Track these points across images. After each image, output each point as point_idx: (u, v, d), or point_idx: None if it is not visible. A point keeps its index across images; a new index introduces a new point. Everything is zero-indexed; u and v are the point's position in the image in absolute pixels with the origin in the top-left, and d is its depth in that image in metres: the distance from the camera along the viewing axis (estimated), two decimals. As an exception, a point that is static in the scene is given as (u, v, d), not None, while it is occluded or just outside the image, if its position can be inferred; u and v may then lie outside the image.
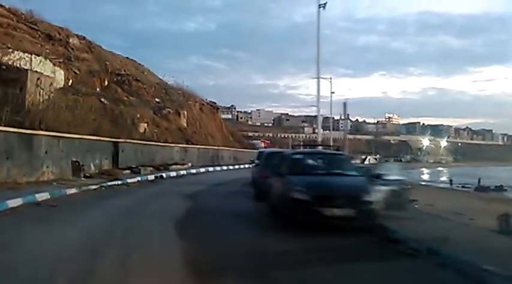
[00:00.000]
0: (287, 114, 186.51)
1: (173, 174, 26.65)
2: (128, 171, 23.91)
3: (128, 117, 32.89)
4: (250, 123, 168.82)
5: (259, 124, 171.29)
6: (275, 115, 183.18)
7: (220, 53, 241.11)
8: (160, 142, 32.35)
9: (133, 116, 33.61)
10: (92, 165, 21.61)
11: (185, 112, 44.11)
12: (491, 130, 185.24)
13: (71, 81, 31.07)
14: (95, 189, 16.78)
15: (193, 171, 30.58)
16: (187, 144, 37.54)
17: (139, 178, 21.81)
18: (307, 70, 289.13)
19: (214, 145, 44.92)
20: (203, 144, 41.86)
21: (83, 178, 19.15)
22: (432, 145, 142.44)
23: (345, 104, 37.57)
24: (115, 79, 39.22)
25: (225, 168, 38.02)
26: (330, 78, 46.39)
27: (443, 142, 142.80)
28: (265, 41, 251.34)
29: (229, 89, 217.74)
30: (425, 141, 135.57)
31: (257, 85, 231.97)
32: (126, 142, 25.87)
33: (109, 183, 18.51)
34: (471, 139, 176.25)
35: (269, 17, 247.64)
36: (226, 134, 57.84)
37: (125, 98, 37.32)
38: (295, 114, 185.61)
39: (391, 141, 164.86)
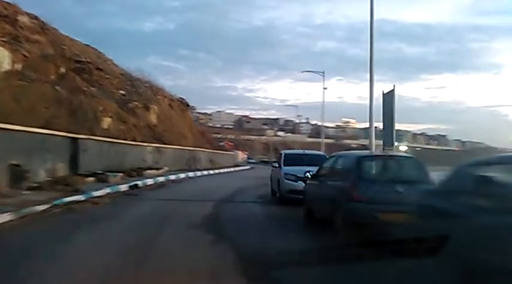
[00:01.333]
0: (248, 116, 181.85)
1: (149, 181, 20.07)
2: (92, 179, 17.21)
3: (89, 109, 26.03)
4: (210, 124, 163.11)
5: (219, 126, 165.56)
6: (236, 118, 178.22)
7: (180, 53, 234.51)
8: (128, 140, 25.56)
9: (95, 109, 26.75)
10: (41, 171, 14.84)
11: (155, 107, 37.30)
12: (445, 136, 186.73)
13: (19, 66, 24.24)
14: (43, 212, 10.08)
15: (172, 176, 24.02)
16: (159, 143, 30.83)
17: (108, 190, 15.13)
18: (265, 73, 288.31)
19: (188, 146, 38.34)
20: (176, 144, 35.17)
21: (25, 191, 12.48)
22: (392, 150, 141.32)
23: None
24: (73, 66, 32.16)
25: (205, 173, 31.65)
26: (325, 88, 40.09)
27: (403, 147, 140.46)
28: (225, 43, 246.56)
29: (189, 90, 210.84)
30: (402, 147, 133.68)
31: (216, 87, 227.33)
32: (89, 139, 19.14)
33: (66, 199, 11.82)
34: (427, 144, 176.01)
35: (229, 19, 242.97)
36: (197, 134, 51.25)
37: (85, 88, 30.35)
38: (256, 117, 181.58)
39: (352, 145, 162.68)
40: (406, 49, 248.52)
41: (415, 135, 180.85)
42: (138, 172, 21.98)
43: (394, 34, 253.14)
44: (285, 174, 13.25)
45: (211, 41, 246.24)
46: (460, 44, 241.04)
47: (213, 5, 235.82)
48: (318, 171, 10.08)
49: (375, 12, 16.89)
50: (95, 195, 13.52)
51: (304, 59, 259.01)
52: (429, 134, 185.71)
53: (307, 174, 12.14)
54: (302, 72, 41.64)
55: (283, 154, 14.99)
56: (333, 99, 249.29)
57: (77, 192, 13.27)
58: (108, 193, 14.66)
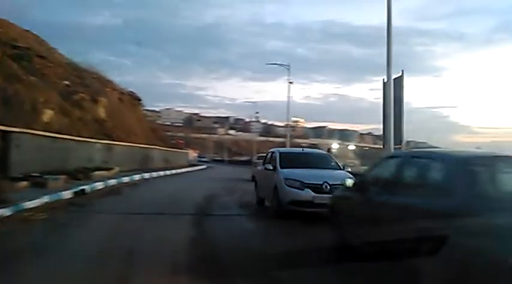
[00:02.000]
0: (198, 114, 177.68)
1: (99, 185, 16.31)
2: (26, 183, 13.29)
3: (27, 99, 21.85)
4: (159, 122, 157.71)
5: (169, 123, 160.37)
6: (185, 115, 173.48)
7: (127, 49, 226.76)
8: (73, 136, 21.45)
9: (34, 100, 22.55)
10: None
11: (104, 100, 33.08)
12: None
13: None
14: None
15: (126, 179, 20.23)
16: (109, 140, 26.81)
17: (47, 199, 11.32)
18: (215, 71, 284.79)
19: (140, 143, 34.33)
20: (127, 141, 31.15)
21: None
22: (341, 149, 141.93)
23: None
24: (10, 52, 27.66)
25: (161, 173, 27.87)
26: (290, 82, 37.15)
27: (351, 146, 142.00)
28: (174, 40, 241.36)
29: (136, 86, 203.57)
30: (334, 145, 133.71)
31: (165, 84, 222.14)
32: (24, 133, 15.15)
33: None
34: (374, 143, 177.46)
35: (178, 16, 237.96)
36: (149, 131, 47.11)
37: (24, 77, 26.04)
38: (207, 115, 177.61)
39: (302, 144, 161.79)
40: (353, 51, 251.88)
41: (362, 134, 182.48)
42: (84, 173, 18.08)
43: (342, 35, 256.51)
44: (286, 179, 9.97)
45: (160, 37, 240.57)
46: (405, 47, 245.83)
47: (162, 1, 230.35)
48: (365, 178, 6.74)
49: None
50: (26, 207, 9.81)
51: (254, 58, 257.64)
52: (376, 134, 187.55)
53: (327, 183, 9.08)
54: (266, 64, 38.59)
55: (277, 154, 11.65)
56: (282, 98, 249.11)
57: (1, 203, 9.51)
58: (46, 204, 10.92)
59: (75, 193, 13.42)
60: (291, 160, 11.03)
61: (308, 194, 9.48)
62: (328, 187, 9.47)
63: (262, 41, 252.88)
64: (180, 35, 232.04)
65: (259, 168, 13.19)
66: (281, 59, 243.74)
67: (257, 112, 60.04)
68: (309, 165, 10.75)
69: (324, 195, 9.32)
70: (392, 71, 13.00)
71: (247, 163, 67.13)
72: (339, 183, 9.69)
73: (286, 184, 9.78)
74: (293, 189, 9.67)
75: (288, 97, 37.42)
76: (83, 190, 14.16)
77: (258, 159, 25.41)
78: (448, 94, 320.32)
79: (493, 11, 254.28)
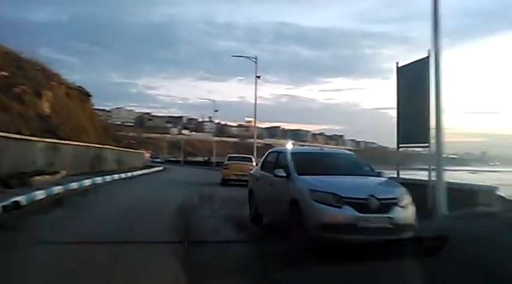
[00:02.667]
0: (150, 113, 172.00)
1: (39, 195, 12.58)
2: None
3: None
4: (110, 121, 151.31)
5: (119, 123, 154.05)
6: (137, 115, 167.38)
7: (74, 47, 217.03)
8: (11, 133, 17.41)
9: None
10: None
11: (48, 94, 28.91)
12: (342, 136, 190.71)
13: None
14: None
15: (74, 184, 16.53)
16: (55, 139, 22.82)
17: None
18: (166, 70, 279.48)
19: (91, 143, 30.30)
20: (76, 140, 27.12)
21: None
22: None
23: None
24: None
25: (116, 177, 24.06)
26: (258, 76, 33.93)
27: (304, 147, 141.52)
28: (123, 38, 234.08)
29: (85, 85, 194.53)
30: (288, 145, 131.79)
31: (114, 83, 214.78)
32: None
33: None
34: (326, 143, 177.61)
35: (127, 13, 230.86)
36: (100, 130, 42.83)
37: None
38: (159, 114, 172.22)
39: (257, 145, 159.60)
40: (304, 52, 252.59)
41: (314, 135, 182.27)
42: (21, 179, 14.32)
43: (292, 37, 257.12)
44: (313, 191, 6.66)
45: (109, 35, 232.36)
46: (354, 49, 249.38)
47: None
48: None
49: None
50: None
51: (205, 58, 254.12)
52: (327, 134, 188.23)
53: (374, 197, 6.41)
54: (232, 56, 35.45)
55: (288, 155, 8.31)
56: (234, 98, 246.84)
57: None
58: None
59: (4, 207, 9.81)
60: (310, 164, 7.83)
61: (349, 214, 6.28)
62: (377, 203, 6.41)
63: (214, 40, 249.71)
64: (129, 33, 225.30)
65: (256, 173, 9.92)
66: (232, 58, 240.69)
67: (216, 110, 56.70)
68: (335, 170, 7.63)
69: (373, 216, 6.31)
70: (438, 44, 10.09)
71: (206, 164, 63.76)
72: (391, 197, 6.69)
73: (315, 199, 6.55)
74: (325, 207, 6.40)
75: (255, 92, 34.30)
76: (16, 202, 10.54)
77: (229, 159, 22.28)
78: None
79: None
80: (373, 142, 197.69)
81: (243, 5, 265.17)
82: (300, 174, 7.37)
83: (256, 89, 33.32)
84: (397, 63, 12.30)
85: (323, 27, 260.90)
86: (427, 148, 10.85)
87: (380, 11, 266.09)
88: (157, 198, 15.04)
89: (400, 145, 12.15)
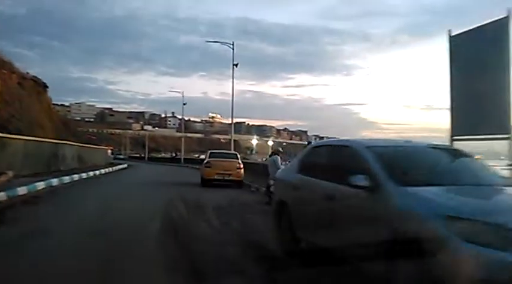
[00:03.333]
0: (111, 109, 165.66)
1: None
2: None
3: None
4: (69, 117, 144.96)
5: (79, 118, 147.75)
6: (97, 110, 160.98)
7: (32, 41, 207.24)
8: None
9: None
10: None
11: (-4, 82, 24.84)
12: (306, 131, 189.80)
13: None
14: None
15: (22, 189, 12.87)
16: (3, 133, 18.90)
17: None
18: (127, 65, 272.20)
19: (48, 138, 26.31)
20: (30, 135, 23.13)
21: None
22: (260, 145, 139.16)
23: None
24: None
25: (76, 177, 20.20)
26: (235, 64, 30.48)
27: (270, 142, 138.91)
28: (83, 33, 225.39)
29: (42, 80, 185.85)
30: (254, 140, 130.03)
31: (74, 78, 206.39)
32: None
33: None
34: (290, 139, 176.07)
35: (87, 7, 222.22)
36: (59, 124, 38.60)
37: None
38: (120, 110, 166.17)
39: (222, 140, 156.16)
40: (267, 48, 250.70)
41: (278, 130, 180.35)
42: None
43: (256, 33, 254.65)
44: (453, 219, 3.41)
45: (68, 29, 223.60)
46: (316, 46, 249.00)
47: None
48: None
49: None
50: None
51: (167, 52, 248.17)
52: (291, 130, 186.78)
53: None
54: (206, 41, 32.35)
55: (365, 152, 4.84)
56: (197, 94, 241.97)
57: None
58: None
59: None
60: (410, 167, 4.61)
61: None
62: None
63: (176, 35, 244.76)
64: (90, 27, 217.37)
65: (291, 177, 6.56)
66: (195, 54, 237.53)
67: (185, 103, 52.89)
68: (451, 176, 4.53)
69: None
70: None
71: (173, 160, 59.73)
72: None
73: (465, 237, 3.41)
74: (490, 252, 3.33)
75: (233, 82, 30.99)
76: None
77: (210, 156, 18.68)
78: (358, 92, 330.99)
79: (397, 13, 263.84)
80: (336, 138, 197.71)
81: (205, 0, 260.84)
82: (401, 184, 4.21)
83: (233, 77, 30.22)
84: (449, 31, 9.35)
85: (286, 23, 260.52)
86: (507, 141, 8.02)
87: (341, 8, 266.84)
88: (132, 207, 11.59)
89: (457, 137, 9.18)
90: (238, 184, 17.45)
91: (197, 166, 41.30)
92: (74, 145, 29.67)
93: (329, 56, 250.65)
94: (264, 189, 14.71)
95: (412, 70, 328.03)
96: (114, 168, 32.68)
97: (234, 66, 29.55)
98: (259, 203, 12.23)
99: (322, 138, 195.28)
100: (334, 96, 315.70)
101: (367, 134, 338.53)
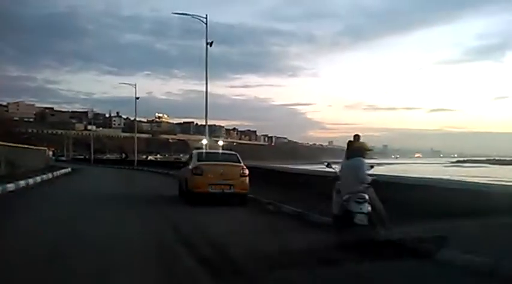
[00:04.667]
0: (52, 108, 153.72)
1: None
2: None
3: None
4: (7, 117, 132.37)
5: (17, 118, 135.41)
6: (37, 110, 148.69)
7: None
8: None
9: None
10: None
11: None
12: (255, 131, 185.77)
13: None
14: None
15: None
16: None
17: None
18: (69, 64, 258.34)
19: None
20: None
21: None
22: (210, 145, 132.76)
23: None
24: None
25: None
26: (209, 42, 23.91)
27: (220, 142, 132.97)
28: (20, 30, 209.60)
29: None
30: (203, 141, 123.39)
31: (11, 77, 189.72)
32: None
33: None
34: (240, 139, 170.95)
35: (24, 4, 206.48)
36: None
37: None
38: (62, 110, 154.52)
39: (170, 140, 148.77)
40: (212, 48, 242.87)
41: (228, 130, 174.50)
42: None
43: (200, 32, 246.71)
44: None
45: (5, 27, 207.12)
46: (261, 47, 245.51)
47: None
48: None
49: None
50: None
51: (110, 51, 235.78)
52: (241, 130, 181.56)
53: None
54: (173, 13, 25.44)
55: None
56: (142, 94, 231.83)
57: None
58: None
59: None
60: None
61: None
62: None
63: (119, 33, 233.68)
64: (28, 24, 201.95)
65: None
66: (140, 52, 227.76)
67: (137, 98, 46.04)
68: None
69: None
70: None
71: (124, 162, 51.81)
72: None
73: None
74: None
75: (206, 69, 24.68)
76: None
77: (200, 158, 12.27)
78: (304, 92, 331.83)
79: (339, 15, 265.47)
80: (284, 137, 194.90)
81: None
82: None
83: (206, 63, 23.87)
84: None
85: (230, 23, 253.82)
86: None
87: (285, 10, 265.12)
88: (88, 261, 5.62)
89: None
90: (241, 199, 11.76)
91: (154, 170, 35.26)
92: (5, 145, 22.32)
93: (274, 56, 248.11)
94: (301, 211, 9.15)
95: (354, 71, 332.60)
96: (56, 174, 25.72)
97: (208, 45, 23.51)
98: (330, 250, 6.35)
99: (270, 137, 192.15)
100: (280, 96, 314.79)
101: (312, 134, 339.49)
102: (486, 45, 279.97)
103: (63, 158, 75.40)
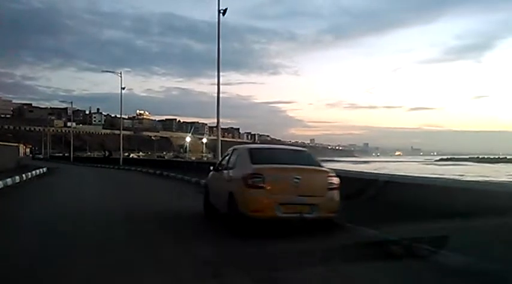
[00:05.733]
0: (30, 104, 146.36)
1: None
2: None
3: None
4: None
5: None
6: (15, 106, 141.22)
7: None
8: None
9: None
10: None
11: None
12: (238, 129, 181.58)
13: None
14: None
15: None
16: None
17: None
18: (48, 60, 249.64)
19: None
20: None
21: None
22: (193, 142, 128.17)
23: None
24: None
25: None
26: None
27: (204, 139, 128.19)
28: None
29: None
30: (187, 138, 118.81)
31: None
32: None
33: None
34: (223, 136, 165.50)
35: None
36: None
37: None
38: (41, 106, 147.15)
39: (152, 137, 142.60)
40: (194, 45, 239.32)
41: (211, 127, 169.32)
42: None
43: (182, 30, 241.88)
44: None
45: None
46: (242, 44, 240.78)
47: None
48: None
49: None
50: None
51: (90, 48, 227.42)
52: (224, 127, 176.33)
53: None
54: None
55: None
56: (123, 91, 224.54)
57: None
58: None
59: None
60: None
61: None
62: None
63: (99, 30, 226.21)
64: (5, 19, 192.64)
65: None
66: (120, 49, 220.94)
67: (123, 88, 40.41)
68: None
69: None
70: None
71: (108, 160, 45.61)
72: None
73: None
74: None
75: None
76: None
77: (254, 158, 6.59)
78: (285, 90, 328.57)
79: (321, 15, 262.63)
80: (267, 135, 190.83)
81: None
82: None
83: (219, 37, 18.35)
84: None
85: (212, 21, 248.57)
86: None
87: (267, 8, 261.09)
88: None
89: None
90: (327, 222, 6.67)
91: (143, 169, 29.07)
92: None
93: (256, 54, 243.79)
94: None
95: (336, 70, 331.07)
96: (27, 176, 20.21)
97: (221, 14, 18.05)
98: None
99: (253, 135, 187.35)
100: (262, 94, 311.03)
101: (294, 132, 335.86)
102: (465, 45, 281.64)
103: (40, 156, 69.11)
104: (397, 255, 5.33)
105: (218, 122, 19.56)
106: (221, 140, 19.57)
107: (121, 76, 38.72)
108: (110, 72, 41.21)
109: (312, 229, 6.61)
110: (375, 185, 8.02)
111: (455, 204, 5.96)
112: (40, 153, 75.64)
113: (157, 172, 25.52)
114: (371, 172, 14.47)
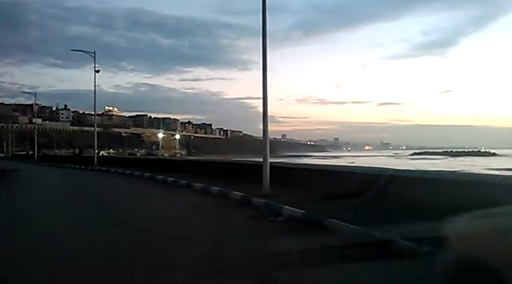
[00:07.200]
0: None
1: None
2: None
3: None
4: None
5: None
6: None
7: None
8: None
9: None
10: None
11: None
12: (211, 125, 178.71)
13: None
14: None
15: None
16: None
17: None
18: (11, 56, 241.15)
19: None
20: None
21: None
22: (166, 139, 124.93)
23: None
24: None
25: None
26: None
27: (177, 136, 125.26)
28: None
29: None
30: (160, 134, 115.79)
31: None
32: None
33: None
34: (196, 132, 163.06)
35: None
36: None
37: None
38: (5, 103, 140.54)
39: (123, 134, 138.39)
40: (161, 41, 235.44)
41: (183, 123, 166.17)
42: None
43: (150, 25, 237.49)
44: None
45: None
46: (211, 39, 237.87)
47: None
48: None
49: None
50: None
51: (55, 43, 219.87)
52: (196, 123, 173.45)
53: None
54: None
55: None
56: (90, 87, 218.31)
57: None
58: None
59: None
60: None
61: None
62: None
63: (64, 25, 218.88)
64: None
65: None
66: (86, 45, 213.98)
67: (97, 71, 35.80)
68: None
69: None
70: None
71: (79, 160, 40.47)
72: None
73: None
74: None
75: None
76: None
77: None
78: (255, 86, 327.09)
79: (291, 10, 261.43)
80: (239, 131, 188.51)
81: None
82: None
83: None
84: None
85: (180, 16, 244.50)
86: None
87: (236, 2, 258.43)
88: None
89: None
90: None
91: (123, 171, 23.01)
92: None
93: (225, 49, 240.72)
94: None
95: (305, 66, 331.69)
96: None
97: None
98: None
99: (226, 131, 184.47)
100: (232, 90, 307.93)
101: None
102: (431, 41, 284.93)
103: (1, 155, 64.89)
104: (399, 255, 5.29)
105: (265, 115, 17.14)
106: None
107: (94, 57, 34.78)
108: (84, 51, 36.41)
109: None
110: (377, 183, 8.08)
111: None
112: (1, 152, 71.61)
113: (146, 175, 19.79)
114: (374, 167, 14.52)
